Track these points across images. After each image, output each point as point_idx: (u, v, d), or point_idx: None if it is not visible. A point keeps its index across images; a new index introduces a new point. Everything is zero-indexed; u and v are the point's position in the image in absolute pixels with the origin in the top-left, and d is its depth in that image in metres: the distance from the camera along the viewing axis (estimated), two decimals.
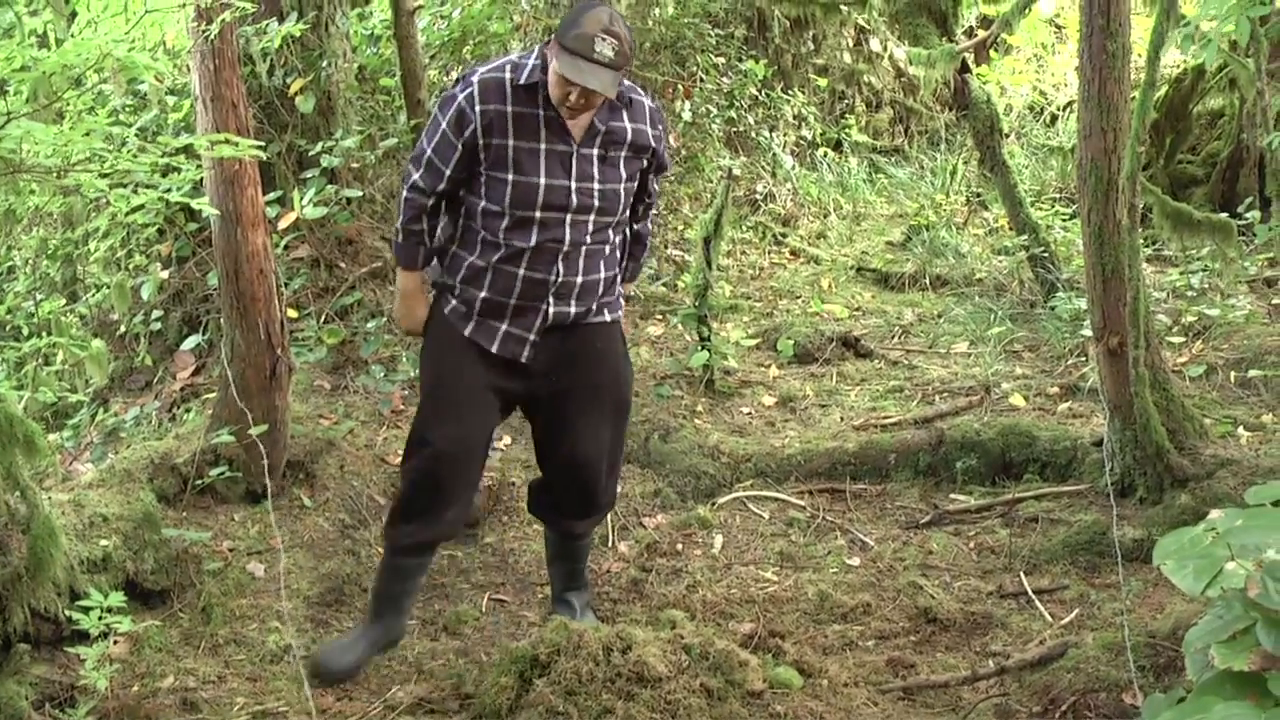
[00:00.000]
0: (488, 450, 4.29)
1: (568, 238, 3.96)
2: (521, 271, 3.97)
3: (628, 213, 4.13)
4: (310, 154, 6.16)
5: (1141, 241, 5.29)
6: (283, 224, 5.92)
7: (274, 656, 4.28)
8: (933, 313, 7.89)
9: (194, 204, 3.71)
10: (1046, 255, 7.61)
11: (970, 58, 8.58)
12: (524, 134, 3.86)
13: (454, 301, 4.08)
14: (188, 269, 6.24)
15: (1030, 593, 4.63)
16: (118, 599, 3.42)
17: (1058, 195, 9.71)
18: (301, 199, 5.88)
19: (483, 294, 4.01)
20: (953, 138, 12.08)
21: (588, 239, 4.00)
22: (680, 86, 8.57)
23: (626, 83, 3.96)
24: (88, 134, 3.34)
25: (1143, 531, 4.70)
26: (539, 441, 4.31)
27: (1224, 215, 7.13)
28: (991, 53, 11.86)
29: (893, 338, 7.51)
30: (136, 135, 4.70)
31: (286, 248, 6.18)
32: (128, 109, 6.25)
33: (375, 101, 7.19)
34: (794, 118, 10.63)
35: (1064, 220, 8.38)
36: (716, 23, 9.43)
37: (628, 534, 5.22)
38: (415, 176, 3.97)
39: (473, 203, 3.96)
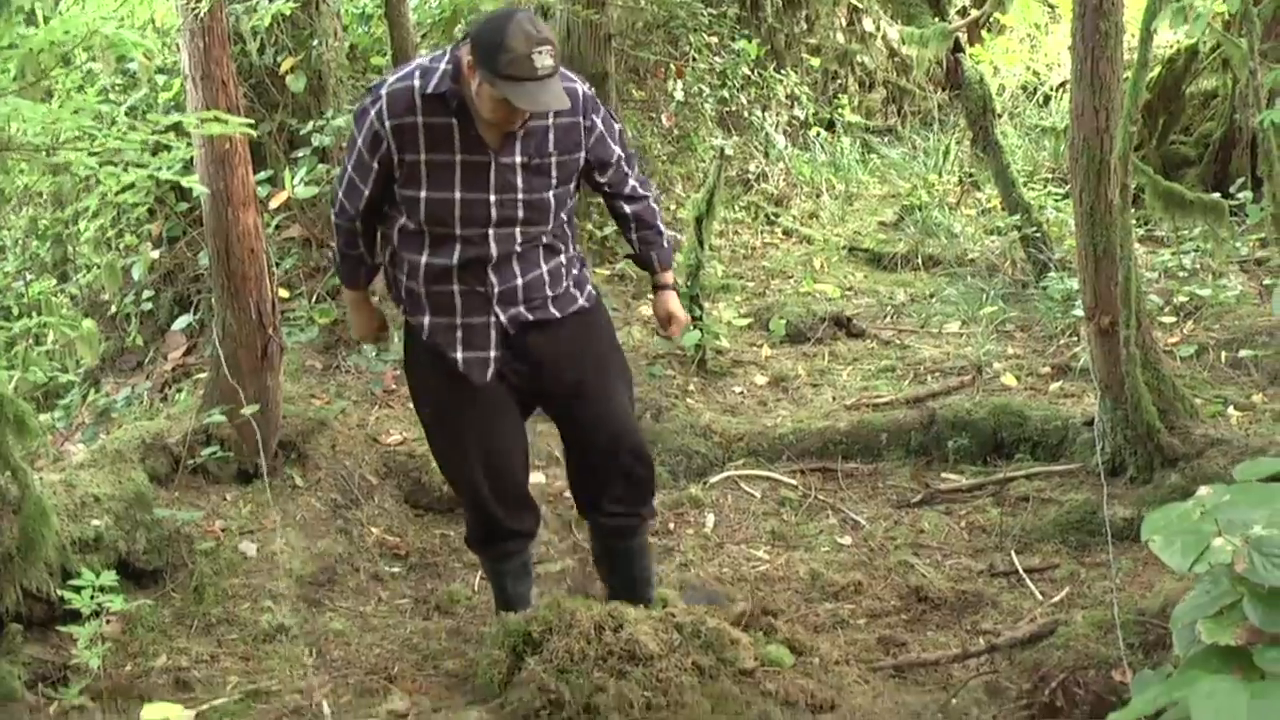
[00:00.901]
0: (525, 442, 4.07)
1: (494, 251, 3.72)
2: (455, 288, 3.76)
3: (564, 218, 3.89)
4: (301, 133, 6.15)
5: (1133, 222, 5.30)
6: (274, 203, 5.91)
7: (267, 636, 4.28)
8: (925, 293, 7.90)
9: (184, 182, 3.71)
10: (1039, 235, 7.61)
11: (963, 37, 8.58)
12: (436, 147, 3.62)
13: (415, 324, 3.89)
14: (178, 249, 6.23)
15: (1021, 571, 4.65)
16: (110, 578, 3.42)
17: (1050, 176, 9.71)
18: (293, 178, 5.87)
19: (427, 319, 3.82)
20: (945, 118, 12.08)
21: (517, 248, 3.76)
22: (672, 66, 8.56)
23: None
24: (76, 112, 3.33)
25: (1133, 510, 4.71)
26: (570, 434, 4.06)
27: (1216, 195, 7.14)
28: (984, 32, 11.86)
29: (885, 317, 7.52)
30: (126, 114, 4.69)
31: (278, 227, 6.16)
32: (117, 88, 6.23)
33: (366, 80, 7.16)
34: (787, 97, 10.61)
35: (1056, 201, 8.39)
36: (709, 2, 9.41)
37: None
38: (339, 197, 3.82)
39: (392, 221, 3.77)
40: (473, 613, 4.54)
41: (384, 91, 3.62)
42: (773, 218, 9.31)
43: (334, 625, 4.39)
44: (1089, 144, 4.85)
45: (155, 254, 6.11)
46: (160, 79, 6.07)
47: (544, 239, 3.82)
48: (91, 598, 3.36)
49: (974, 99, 7.92)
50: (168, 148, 4.11)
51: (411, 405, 5.57)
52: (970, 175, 10.09)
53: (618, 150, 3.92)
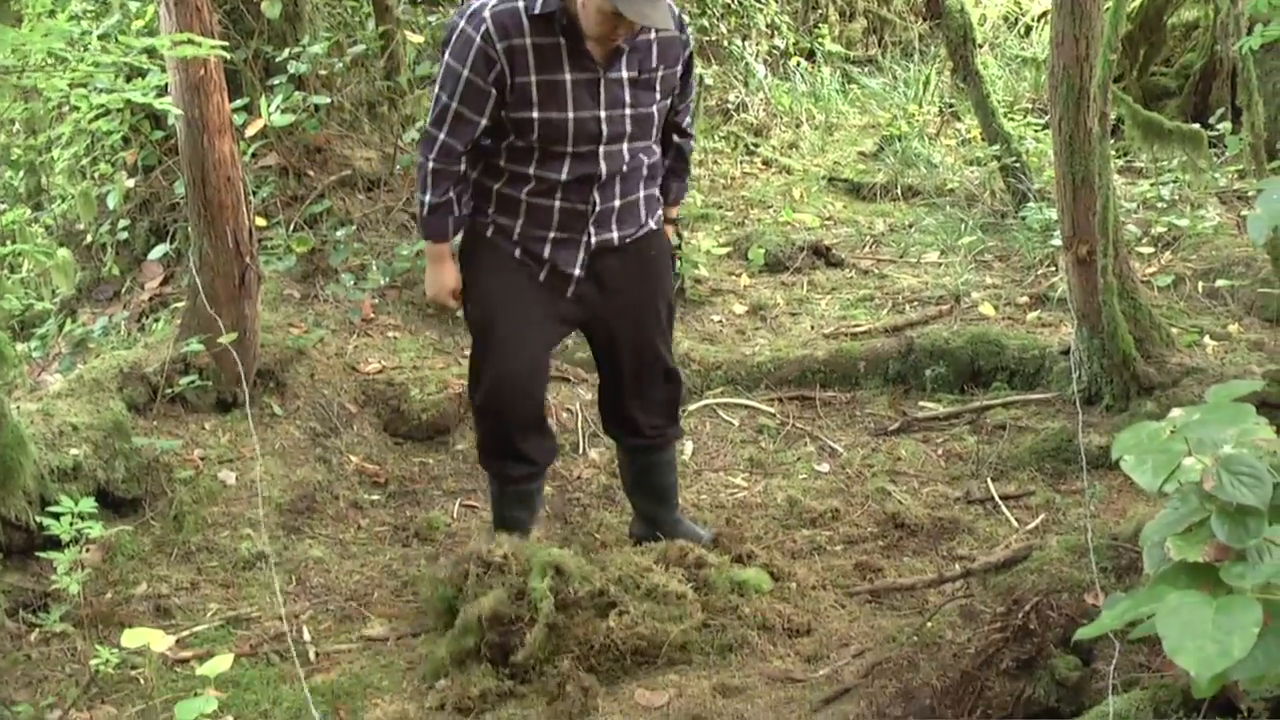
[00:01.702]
0: (549, 369, 4.18)
1: (604, 168, 3.75)
2: (557, 204, 3.78)
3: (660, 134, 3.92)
4: (277, 60, 6.08)
5: (1112, 152, 5.29)
6: (250, 131, 5.86)
7: (246, 563, 4.31)
8: (904, 222, 7.89)
9: (157, 104, 3.66)
10: (1018, 166, 7.61)
11: None
12: (546, 68, 3.60)
13: (491, 226, 3.87)
14: (154, 178, 6.18)
15: (997, 498, 4.68)
16: (88, 505, 3.43)
17: (1030, 106, 9.68)
18: (269, 106, 5.82)
19: (519, 224, 3.83)
20: (926, 48, 12.01)
21: (624, 166, 3.79)
22: None
23: None
24: (47, 35, 3.28)
25: (1109, 439, 4.72)
26: (612, 356, 4.11)
27: (1195, 126, 7.14)
28: None
29: (864, 247, 7.51)
30: (99, 40, 4.64)
31: (254, 155, 6.11)
32: (89, 14, 6.15)
33: (343, 8, 7.09)
34: (767, 27, 10.54)
35: (1036, 131, 8.37)
36: None
37: (598, 441, 5.23)
38: (442, 138, 3.68)
39: (496, 139, 3.74)
40: (452, 539, 4.56)
41: (488, 14, 3.55)
42: (752, 148, 9.27)
43: (313, 553, 4.42)
44: (1069, 72, 4.83)
45: (131, 183, 6.06)
46: (133, 6, 5.99)
47: (647, 159, 3.88)
48: (70, 524, 3.37)
49: (954, 29, 7.88)
50: (142, 73, 4.06)
51: (393, 335, 5.60)
52: (950, 106, 10.06)
53: (691, 83, 3.99)
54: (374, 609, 4.14)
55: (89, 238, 6.25)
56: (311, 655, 3.87)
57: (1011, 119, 8.42)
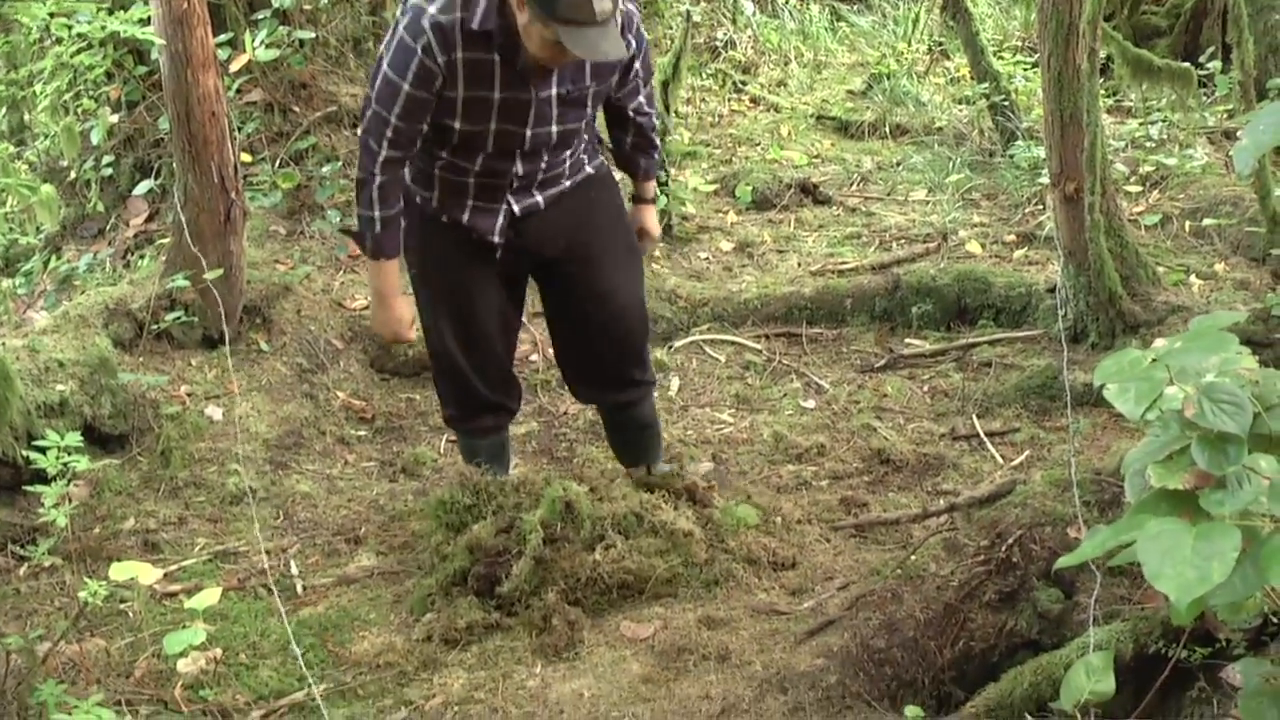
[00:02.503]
0: (515, 319, 4.03)
1: (520, 169, 3.63)
2: (471, 181, 3.65)
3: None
4: None
5: (1101, 91, 5.27)
6: (234, 66, 5.81)
7: (233, 498, 4.32)
8: (892, 161, 7.87)
9: (140, 35, 3.63)
10: (1007, 104, 7.58)
11: None
12: (476, 84, 3.43)
13: (420, 199, 3.74)
14: (138, 113, 6.13)
15: (982, 435, 4.71)
16: (75, 439, 3.42)
17: (1020, 45, 9.62)
18: (253, 41, 5.77)
19: (434, 194, 3.71)
20: None
21: (542, 164, 3.67)
22: None
23: None
24: None
25: (1094, 377, 4.75)
26: (563, 308, 3.95)
27: (1185, 64, 7.11)
28: None
29: (851, 185, 7.50)
30: None
31: (239, 91, 6.07)
32: None
33: None
34: None
35: (1025, 69, 8.33)
36: None
37: None
38: (385, 153, 3.49)
39: None
40: (439, 475, 4.58)
41: (427, 24, 3.33)
42: (740, 85, 9.22)
43: (300, 488, 4.43)
44: (1058, 7, 4.80)
45: (114, 118, 6.01)
46: None
47: (576, 140, 3.73)
48: (57, 458, 3.36)
49: None
50: (124, 6, 4.02)
51: None
52: (939, 44, 9.99)
53: (638, 68, 3.75)
54: (362, 543, 4.16)
55: (73, 174, 6.21)
56: (299, 589, 3.89)
57: (1001, 57, 8.37)
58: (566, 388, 4.30)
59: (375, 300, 3.75)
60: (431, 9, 3.34)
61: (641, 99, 3.86)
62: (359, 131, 3.57)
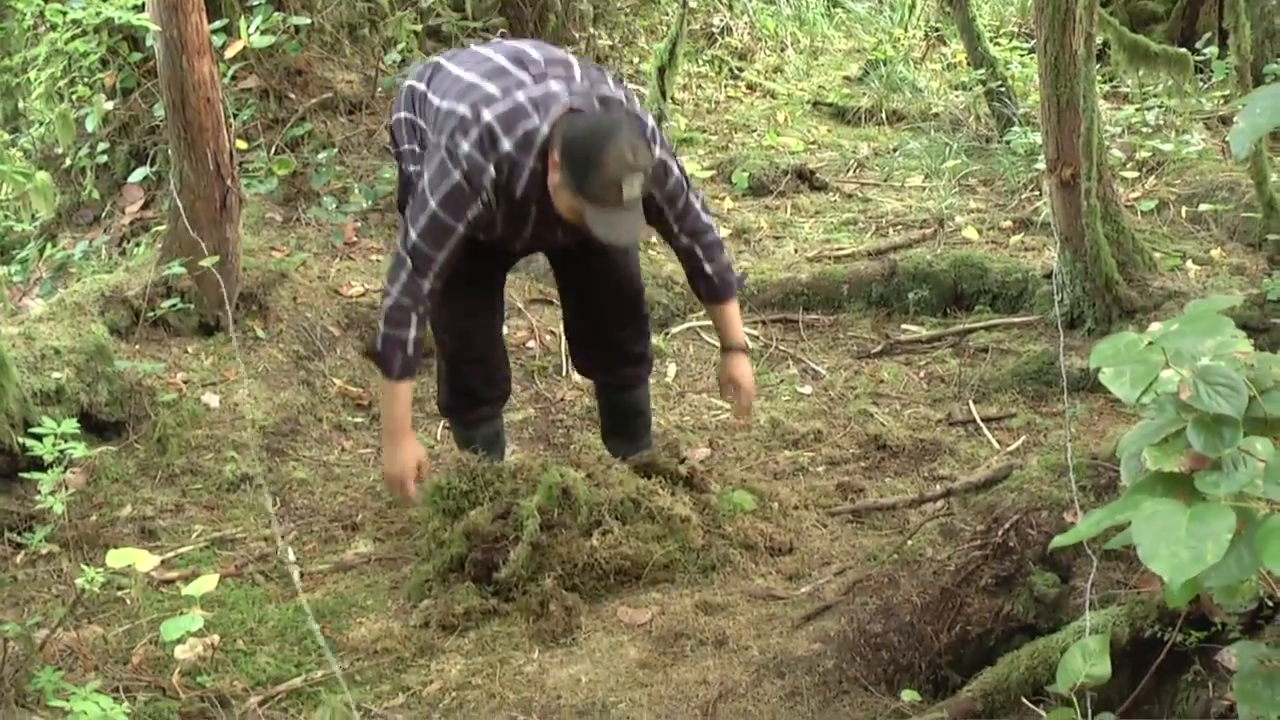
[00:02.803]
0: (502, 307, 4.17)
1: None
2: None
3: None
4: None
5: (1098, 77, 5.27)
6: (229, 53, 5.80)
7: (231, 485, 4.32)
8: (888, 147, 7.86)
9: (135, 20, 3.62)
10: (1003, 90, 7.57)
11: None
12: (514, 223, 3.61)
13: None
14: (133, 100, 6.12)
15: (978, 420, 4.71)
16: (71, 426, 3.42)
17: (1016, 30, 9.61)
18: (248, 27, 5.76)
19: None
20: None
21: None
22: None
23: None
24: None
25: (1090, 362, 4.75)
26: (575, 277, 4.05)
27: (1181, 49, 7.10)
28: None
29: (848, 171, 7.49)
30: None
31: (234, 78, 6.05)
32: None
33: None
34: None
35: (1022, 55, 8.32)
36: None
37: None
38: (430, 284, 3.55)
39: None
40: (435, 461, 4.57)
41: (487, 183, 3.45)
42: (737, 72, 9.20)
43: (297, 475, 4.43)
44: None
45: (109, 105, 6.00)
46: None
47: None
48: (53, 445, 3.36)
49: None
50: None
51: (375, 258, 5.58)
52: (936, 30, 9.98)
53: (680, 200, 3.75)
54: (359, 530, 4.16)
55: (68, 161, 6.20)
56: (296, 576, 3.89)
57: (997, 43, 8.36)
58: (571, 362, 4.40)
59: (388, 439, 3.77)
60: (478, 156, 3.42)
61: (681, 235, 3.83)
62: (401, 255, 3.56)
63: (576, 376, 5.14)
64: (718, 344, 4.16)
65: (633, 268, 4.01)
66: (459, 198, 3.45)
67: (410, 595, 3.73)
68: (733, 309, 4.02)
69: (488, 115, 3.44)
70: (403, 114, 3.86)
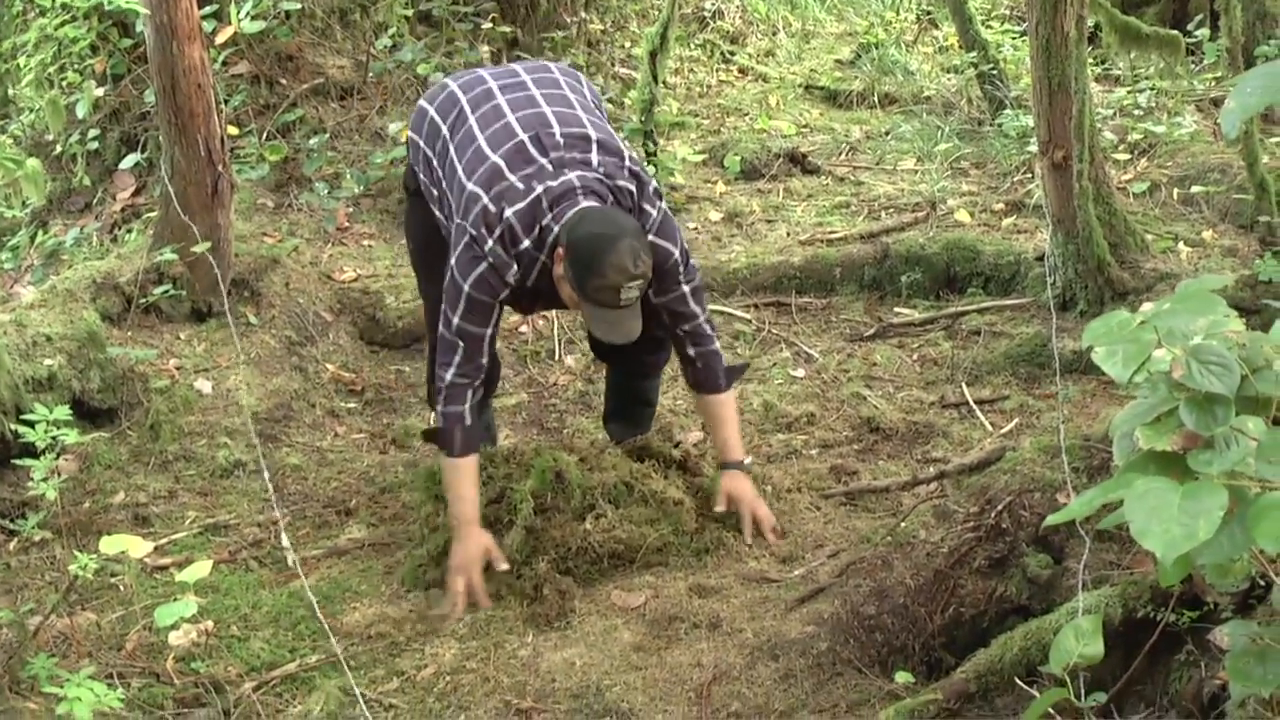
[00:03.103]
0: None
1: None
2: None
3: None
4: None
5: (1090, 60, 5.26)
6: (220, 38, 5.78)
7: (224, 471, 4.32)
8: (880, 130, 7.86)
9: (124, 5, 3.61)
10: (995, 73, 7.56)
11: None
12: (523, 305, 3.84)
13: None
14: (124, 87, 6.10)
15: (971, 403, 4.71)
16: (63, 412, 3.41)
17: (1008, 13, 9.60)
18: (239, 13, 5.74)
19: None
20: None
21: None
22: None
23: None
24: None
25: (1082, 344, 4.76)
26: None
27: (1173, 30, 7.09)
28: None
29: (840, 154, 7.48)
30: None
31: (225, 63, 6.04)
32: None
33: None
34: None
35: (1014, 38, 8.31)
36: None
37: (574, 347, 5.24)
38: (484, 359, 3.68)
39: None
40: (429, 447, 4.57)
41: (511, 278, 3.57)
42: (728, 55, 9.18)
43: (291, 460, 4.43)
44: None
45: (100, 91, 5.98)
46: None
47: None
48: (46, 431, 3.36)
49: None
50: None
51: (368, 243, 5.56)
52: (928, 13, 9.97)
53: (679, 303, 3.82)
54: (353, 515, 4.16)
55: (59, 148, 6.19)
56: (290, 561, 3.89)
57: (989, 26, 8.36)
58: (590, 345, 4.43)
59: (456, 526, 3.68)
60: (500, 250, 3.55)
61: (678, 328, 3.87)
62: (448, 339, 3.64)
63: (569, 361, 5.15)
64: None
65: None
66: (489, 281, 3.58)
67: (404, 580, 3.73)
68: (729, 410, 4.01)
69: (509, 213, 3.55)
70: (414, 135, 3.96)
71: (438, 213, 3.89)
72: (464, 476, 3.65)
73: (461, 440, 3.63)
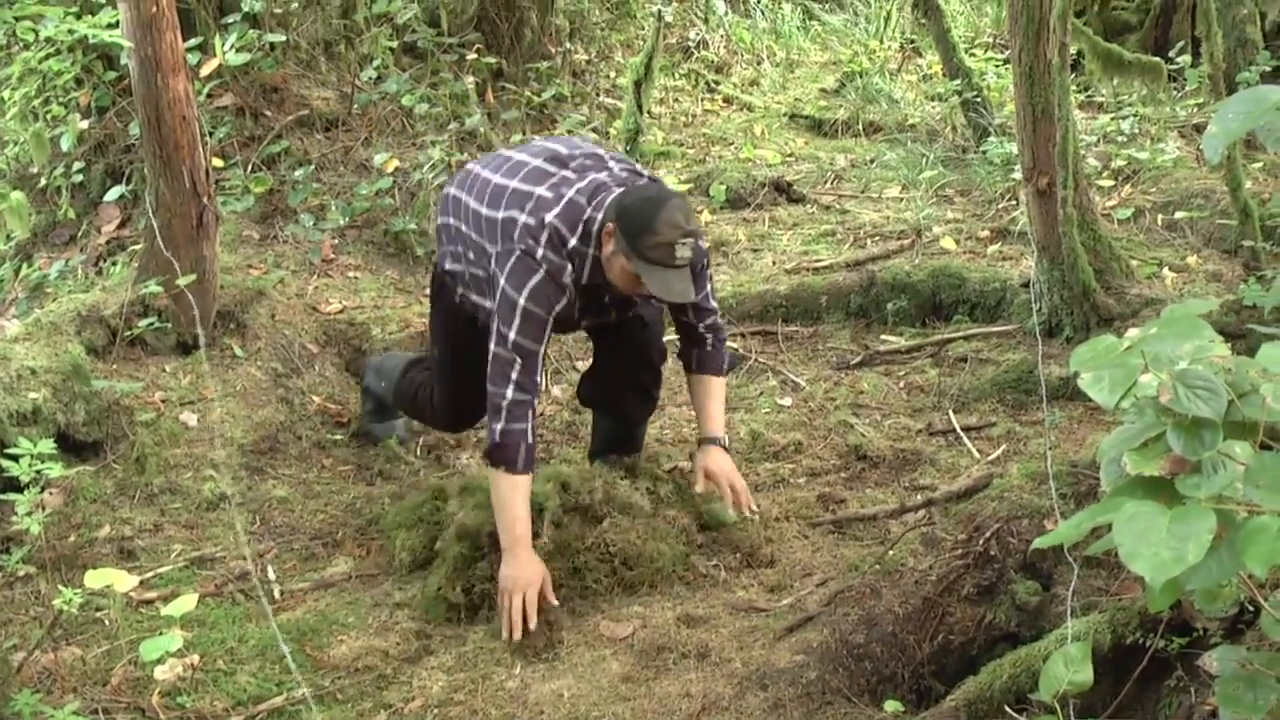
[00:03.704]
0: None
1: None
2: None
3: None
4: None
5: (1073, 87, 5.29)
6: (205, 70, 5.79)
7: (210, 504, 4.30)
8: (865, 158, 7.88)
9: (108, 36, 3.60)
10: (979, 101, 7.60)
11: None
12: (583, 313, 3.83)
13: (461, 299, 3.99)
14: (108, 119, 6.10)
15: (958, 430, 4.71)
16: (47, 446, 3.40)
17: (991, 41, 9.66)
18: (223, 45, 5.75)
19: None
20: None
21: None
22: None
23: None
24: None
25: (1069, 370, 4.76)
26: (605, 342, 4.21)
27: (1155, 58, 7.14)
28: None
29: (825, 183, 7.50)
30: None
31: (209, 95, 6.04)
32: None
33: None
34: None
35: (997, 66, 8.36)
36: None
37: (561, 378, 5.24)
38: (533, 378, 3.67)
39: None
40: (416, 477, 4.56)
41: (567, 280, 3.64)
42: (713, 85, 9.23)
43: (277, 493, 4.41)
44: (1029, 3, 4.84)
45: (84, 124, 5.98)
46: None
47: None
48: (30, 465, 3.34)
49: None
50: (93, 10, 3.99)
51: (353, 275, 5.56)
52: (911, 41, 10.03)
53: (707, 300, 3.98)
54: (339, 547, 4.14)
55: (43, 181, 6.18)
56: (276, 594, 3.87)
57: (972, 54, 8.40)
58: (579, 390, 4.42)
59: (511, 547, 3.63)
60: (550, 255, 3.63)
61: (692, 317, 4.00)
62: (505, 356, 3.64)
63: (556, 391, 5.14)
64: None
65: (659, 330, 4.18)
66: (546, 292, 3.62)
67: (429, 612, 3.72)
68: (719, 390, 4.09)
69: (550, 218, 3.64)
70: (441, 219, 4.07)
71: (474, 297, 3.93)
72: (521, 495, 3.64)
73: (525, 457, 3.63)
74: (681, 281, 3.55)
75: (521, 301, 3.59)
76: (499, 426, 3.62)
